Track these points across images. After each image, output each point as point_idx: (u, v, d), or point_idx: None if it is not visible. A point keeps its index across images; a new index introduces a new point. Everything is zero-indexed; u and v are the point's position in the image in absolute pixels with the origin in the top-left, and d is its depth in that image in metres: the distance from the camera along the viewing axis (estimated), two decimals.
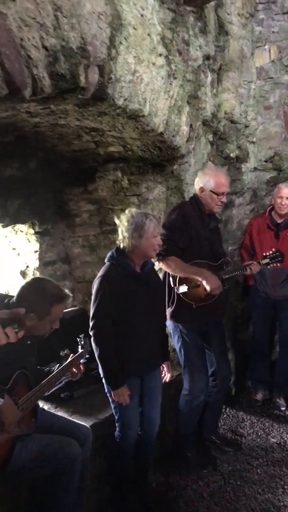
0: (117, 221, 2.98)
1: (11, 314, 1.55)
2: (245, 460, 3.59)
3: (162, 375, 3.17)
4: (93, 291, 2.89)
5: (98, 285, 2.86)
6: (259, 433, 3.99)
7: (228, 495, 3.20)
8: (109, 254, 2.97)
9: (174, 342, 3.52)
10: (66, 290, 2.58)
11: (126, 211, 2.94)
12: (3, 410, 2.11)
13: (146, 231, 2.83)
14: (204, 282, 3.22)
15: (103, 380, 2.86)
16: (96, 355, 2.84)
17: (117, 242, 2.98)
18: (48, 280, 2.61)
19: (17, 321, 1.57)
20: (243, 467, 3.52)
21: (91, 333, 2.84)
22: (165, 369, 3.17)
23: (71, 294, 2.60)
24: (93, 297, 2.88)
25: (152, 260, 3.13)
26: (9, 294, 2.60)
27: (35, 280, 2.70)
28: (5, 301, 2.42)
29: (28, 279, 3.01)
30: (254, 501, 3.12)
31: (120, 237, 2.91)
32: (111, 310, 2.82)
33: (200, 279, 3.24)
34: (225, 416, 4.30)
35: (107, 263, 2.95)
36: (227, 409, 4.41)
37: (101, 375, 2.86)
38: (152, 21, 3.08)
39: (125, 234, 2.87)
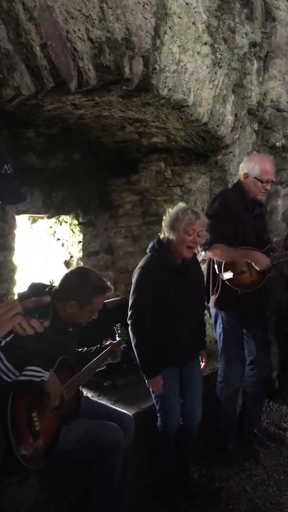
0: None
1: (37, 302, 1.58)
2: None
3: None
4: (133, 281, 2.92)
5: (138, 275, 2.89)
6: None
7: (271, 489, 3.16)
8: (150, 245, 2.99)
9: (215, 329, 3.51)
10: (108, 283, 2.62)
11: (179, 204, 2.98)
12: (48, 383, 2.18)
13: (179, 225, 2.82)
14: (253, 263, 3.20)
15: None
16: (133, 344, 2.87)
17: (158, 233, 3.00)
18: (92, 271, 2.66)
19: (43, 309, 1.60)
20: (286, 461, 3.47)
21: (129, 322, 2.88)
22: (200, 357, 3.17)
23: (112, 287, 2.64)
24: (132, 287, 2.91)
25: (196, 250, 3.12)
26: (49, 284, 2.64)
27: (79, 269, 2.77)
28: (45, 290, 2.47)
29: (72, 268, 3.06)
30: None
31: (162, 229, 2.95)
32: (149, 301, 2.84)
33: (248, 260, 3.22)
34: (268, 410, 4.24)
35: (148, 254, 2.97)
36: (270, 403, 4.35)
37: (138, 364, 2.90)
38: (197, 9, 3.04)
39: (163, 226, 2.92)
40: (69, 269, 2.62)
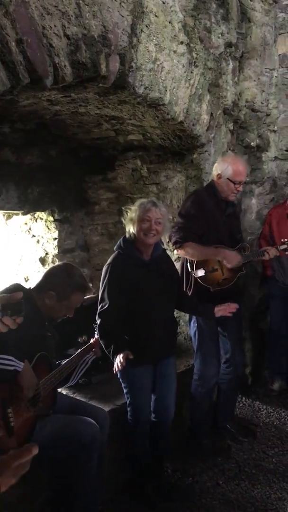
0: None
1: (9, 299, 1.58)
2: (260, 449, 3.61)
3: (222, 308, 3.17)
4: (101, 277, 2.94)
5: (105, 272, 2.92)
6: (275, 423, 4.00)
7: (243, 483, 3.22)
8: (117, 243, 3.01)
9: (190, 327, 3.55)
10: (90, 284, 2.65)
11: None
12: (21, 374, 2.17)
13: (136, 216, 2.85)
14: (224, 260, 3.25)
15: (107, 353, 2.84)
16: (99, 336, 2.85)
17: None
18: (78, 269, 2.72)
19: (16, 306, 1.60)
20: (258, 456, 3.54)
21: (97, 318, 2.88)
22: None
23: (91, 292, 2.67)
24: (100, 284, 2.94)
25: (165, 245, 3.14)
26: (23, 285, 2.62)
27: (66, 265, 2.82)
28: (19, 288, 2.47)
29: (60, 262, 3.06)
30: (269, 489, 3.14)
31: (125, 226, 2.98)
32: (117, 298, 2.85)
33: (219, 257, 3.27)
34: (241, 405, 4.31)
35: (115, 251, 2.99)
36: (243, 398, 4.42)
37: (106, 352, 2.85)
38: (174, 8, 3.06)
39: (126, 221, 2.94)
40: (56, 263, 2.65)
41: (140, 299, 2.88)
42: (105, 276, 2.90)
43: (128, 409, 2.99)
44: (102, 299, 2.88)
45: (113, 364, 2.73)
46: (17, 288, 2.48)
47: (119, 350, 2.72)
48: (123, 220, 2.99)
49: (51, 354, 2.61)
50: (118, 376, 2.93)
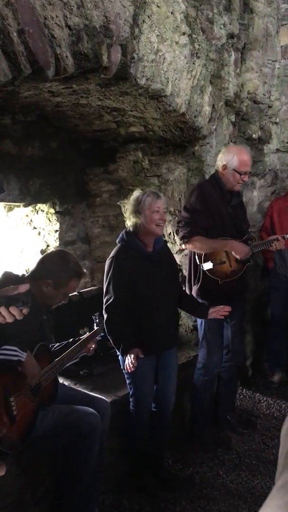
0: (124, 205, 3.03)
1: (17, 290, 1.59)
2: (261, 441, 3.64)
3: (215, 310, 3.16)
4: (105, 271, 2.95)
5: (109, 265, 2.92)
6: (275, 415, 4.03)
7: (243, 473, 3.25)
8: (120, 236, 3.02)
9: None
10: (84, 270, 2.67)
11: (133, 193, 2.99)
12: (25, 363, 2.20)
13: (143, 206, 2.86)
14: (232, 252, 3.25)
15: (120, 359, 2.91)
16: (107, 331, 2.88)
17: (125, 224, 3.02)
18: (72, 255, 2.74)
19: (23, 297, 1.61)
20: (258, 447, 3.57)
21: (103, 312, 2.90)
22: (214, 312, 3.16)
23: (88, 274, 2.68)
24: (104, 277, 2.94)
25: (163, 238, 3.18)
26: (21, 275, 2.62)
27: (61, 251, 2.84)
28: (20, 277, 2.47)
29: (53, 249, 3.06)
30: (270, 480, 3.16)
31: (126, 219, 2.97)
32: (122, 290, 2.86)
33: (228, 249, 3.28)
34: (241, 397, 4.34)
35: (118, 244, 2.99)
36: (244, 390, 4.44)
37: (119, 354, 2.91)
38: None
39: (127, 214, 2.94)
40: (50, 251, 2.65)
41: (144, 290, 2.90)
42: (109, 269, 2.90)
43: (131, 399, 3.02)
44: (107, 293, 2.89)
45: (114, 355, 2.75)
46: (8, 275, 2.47)
47: (129, 349, 2.75)
48: (124, 213, 2.99)
49: (49, 339, 2.66)
50: (121, 367, 2.95)
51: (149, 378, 2.99)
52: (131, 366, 2.68)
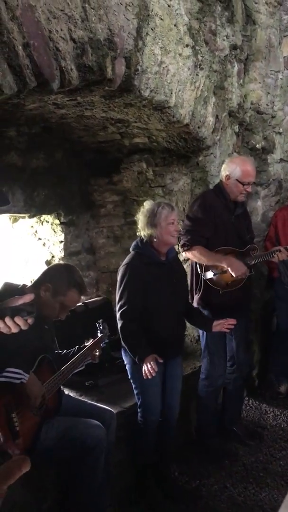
0: (136, 216, 3.04)
1: (21, 300, 1.58)
2: (268, 452, 3.59)
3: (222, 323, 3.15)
4: (118, 278, 2.95)
5: (123, 272, 2.92)
6: (282, 426, 3.99)
7: (250, 486, 3.21)
8: (133, 244, 3.04)
9: None
10: (87, 285, 2.67)
11: (144, 203, 3.00)
12: (28, 385, 2.18)
13: (159, 219, 2.89)
14: (229, 269, 3.23)
15: (128, 368, 2.90)
16: (121, 337, 2.88)
17: (137, 233, 3.03)
18: (77, 270, 2.71)
19: (29, 307, 1.60)
20: (266, 458, 3.52)
21: (117, 317, 2.89)
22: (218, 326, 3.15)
23: (89, 292, 2.66)
24: (118, 285, 2.94)
25: (176, 248, 3.18)
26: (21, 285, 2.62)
27: (66, 264, 2.87)
28: (20, 288, 2.47)
29: (61, 262, 3.06)
30: (278, 492, 3.12)
31: (139, 230, 2.98)
32: (137, 297, 2.87)
33: (225, 265, 3.26)
34: (248, 408, 4.30)
35: (132, 252, 3.00)
36: (250, 401, 4.41)
37: (127, 363, 2.92)
38: (179, 11, 3.07)
39: (141, 225, 2.95)
40: (57, 262, 2.66)
41: (155, 298, 2.91)
42: (123, 276, 2.91)
43: (139, 410, 3.00)
44: (121, 299, 2.89)
45: (119, 365, 2.74)
46: (9, 286, 2.46)
47: (146, 355, 2.76)
48: (138, 222, 2.98)
49: (51, 349, 2.64)
50: (129, 376, 2.94)
51: (158, 388, 2.98)
52: (151, 372, 2.69)
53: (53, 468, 2.61)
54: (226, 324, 3.08)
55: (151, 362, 2.71)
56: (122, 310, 2.87)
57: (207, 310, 3.43)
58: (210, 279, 3.31)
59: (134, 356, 2.83)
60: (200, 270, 3.36)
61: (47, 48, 2.16)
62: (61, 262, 2.77)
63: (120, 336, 2.89)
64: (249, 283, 3.53)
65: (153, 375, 2.70)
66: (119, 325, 2.89)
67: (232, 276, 3.30)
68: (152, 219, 2.90)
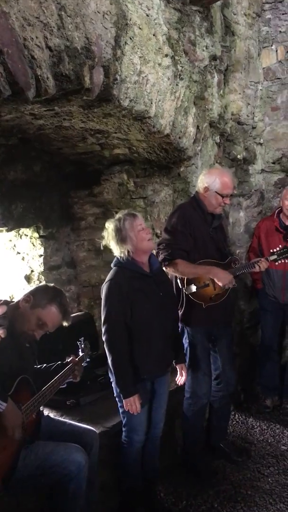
0: (103, 240, 2.94)
1: None
2: (255, 469, 3.51)
3: (177, 378, 3.13)
4: (102, 296, 2.83)
5: (107, 289, 2.81)
6: (269, 441, 3.91)
7: (239, 505, 3.11)
8: (115, 259, 2.92)
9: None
10: (72, 315, 2.66)
11: (105, 225, 2.92)
12: (5, 414, 2.07)
13: (126, 232, 2.80)
14: (215, 279, 3.16)
15: (114, 387, 2.80)
16: (109, 360, 2.77)
17: (115, 255, 2.92)
18: (65, 296, 2.63)
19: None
20: (253, 475, 3.43)
21: (104, 338, 2.78)
22: (179, 371, 3.13)
23: (70, 322, 2.58)
24: (103, 302, 2.82)
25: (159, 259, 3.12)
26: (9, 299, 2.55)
27: (58, 287, 2.70)
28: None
29: None
30: (266, 511, 3.03)
31: (114, 251, 2.88)
32: (122, 313, 2.76)
33: (210, 276, 3.18)
34: (234, 423, 4.22)
35: (113, 267, 2.89)
36: (236, 415, 4.32)
37: (113, 381, 2.81)
38: (158, 21, 3.03)
39: (114, 246, 2.86)
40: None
41: (142, 312, 2.80)
42: (107, 293, 2.79)
43: (124, 429, 2.89)
44: (108, 316, 2.77)
45: (102, 383, 2.66)
46: None
47: (131, 395, 2.72)
48: (110, 245, 2.89)
49: (31, 368, 2.53)
50: (115, 394, 2.83)
51: (144, 407, 2.86)
52: (136, 410, 2.72)
53: (32, 496, 2.48)
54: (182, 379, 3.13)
55: (137, 402, 2.72)
56: (109, 328, 2.76)
57: (190, 326, 3.34)
58: (193, 294, 3.23)
59: (119, 389, 2.76)
60: (182, 285, 3.27)
61: (21, 56, 2.09)
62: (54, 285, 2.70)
63: (107, 356, 2.77)
64: (232, 296, 3.46)
65: (139, 412, 2.73)
66: (106, 346, 2.77)
67: (215, 289, 3.23)
68: (120, 235, 2.80)
